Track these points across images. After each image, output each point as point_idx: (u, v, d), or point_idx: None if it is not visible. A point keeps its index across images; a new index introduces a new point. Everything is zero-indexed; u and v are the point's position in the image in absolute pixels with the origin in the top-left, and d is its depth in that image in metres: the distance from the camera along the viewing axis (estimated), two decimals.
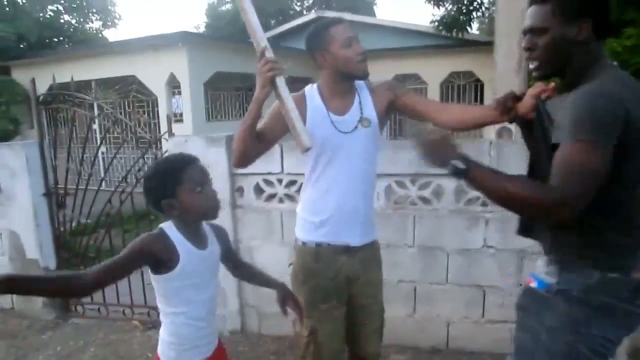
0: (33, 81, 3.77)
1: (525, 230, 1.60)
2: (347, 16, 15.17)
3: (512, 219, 2.83)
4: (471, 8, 8.43)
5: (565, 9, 1.33)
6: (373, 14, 24.93)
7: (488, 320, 3.02)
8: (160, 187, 1.49)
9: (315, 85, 1.93)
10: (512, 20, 4.68)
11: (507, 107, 1.60)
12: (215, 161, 3.20)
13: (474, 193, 2.88)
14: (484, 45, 10.52)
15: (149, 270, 1.52)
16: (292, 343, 3.29)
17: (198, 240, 1.58)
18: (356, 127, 1.87)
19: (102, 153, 9.91)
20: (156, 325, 3.65)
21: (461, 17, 8.59)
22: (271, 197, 3.23)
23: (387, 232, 2.94)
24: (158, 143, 4.21)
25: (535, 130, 1.52)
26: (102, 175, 4.21)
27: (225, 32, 22.60)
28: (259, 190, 3.25)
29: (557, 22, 1.34)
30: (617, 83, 1.29)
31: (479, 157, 2.79)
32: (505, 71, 4.61)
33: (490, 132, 5.61)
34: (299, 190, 3.16)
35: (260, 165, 3.16)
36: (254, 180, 3.22)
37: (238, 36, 20.30)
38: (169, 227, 1.53)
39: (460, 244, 2.96)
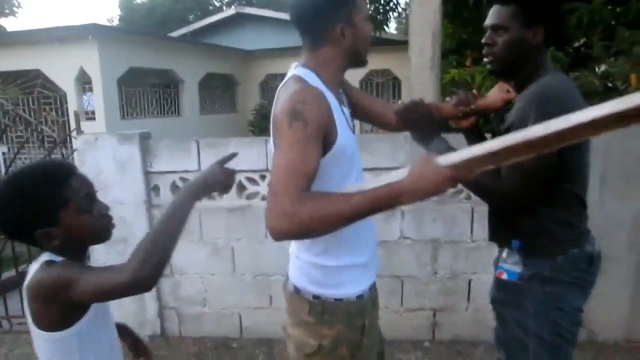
0: None
1: (492, 236, 1.72)
2: (269, 13, 15.11)
3: (426, 211, 2.97)
4: (387, 8, 8.65)
5: (525, 13, 1.49)
6: None
7: (407, 309, 3.13)
8: (32, 215, 1.11)
9: (310, 72, 1.32)
10: (425, 19, 4.86)
11: (467, 101, 1.65)
12: (128, 159, 3.06)
13: None
14: (401, 45, 10.88)
15: (48, 331, 1.13)
16: (214, 343, 3.23)
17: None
18: (354, 126, 1.48)
19: (4, 154, 9.17)
20: None
21: (378, 16, 8.79)
22: None
23: None
24: (66, 141, 3.96)
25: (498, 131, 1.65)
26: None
27: (141, 25, 21.69)
28: (175, 188, 3.13)
29: (517, 23, 1.50)
30: (560, 83, 1.46)
31: (394, 151, 2.91)
32: (419, 68, 4.78)
33: None
34: None
35: (176, 163, 3.07)
36: (171, 178, 3.11)
37: (154, 30, 19.57)
38: (53, 257, 1.16)
39: (379, 236, 3.01)
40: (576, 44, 6.38)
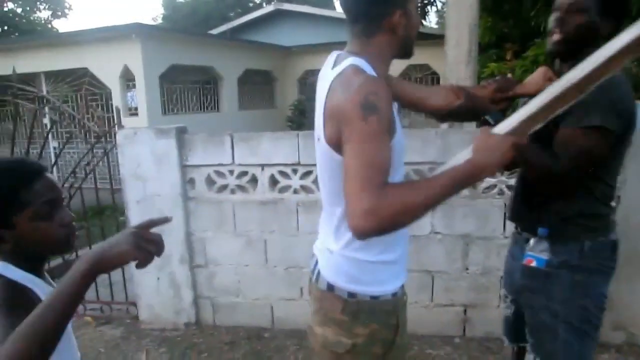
0: None
1: (514, 216, 1.76)
2: (307, 9, 15.17)
3: (457, 206, 2.95)
4: (425, 2, 8.58)
5: (605, 4, 1.50)
6: (333, 7, 24.97)
7: (436, 304, 3.12)
8: None
9: (365, 63, 1.23)
10: (462, 12, 4.78)
11: (507, 88, 1.62)
12: (165, 152, 3.17)
13: None
14: (440, 39, 10.73)
15: None
16: (246, 333, 3.32)
17: (43, 277, 1.15)
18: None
19: (54, 148, 9.61)
20: (109, 320, 3.61)
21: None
22: (223, 188, 3.22)
23: None
24: (108, 135, 4.13)
25: None
26: (55, 171, 4.09)
27: (184, 24, 22.20)
28: (210, 181, 3.23)
29: (594, 9, 1.49)
30: (622, 79, 1.45)
31: (425, 147, 2.89)
32: (455, 63, 4.72)
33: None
34: (250, 181, 3.17)
35: (211, 156, 3.16)
36: (205, 171, 3.20)
37: (196, 28, 19.99)
38: (4, 269, 1.06)
39: (409, 230, 3.03)
40: None
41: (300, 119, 12.72)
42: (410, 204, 1.08)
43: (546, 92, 1.19)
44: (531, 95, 1.60)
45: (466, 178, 1.14)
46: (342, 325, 1.32)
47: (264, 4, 23.47)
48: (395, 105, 1.32)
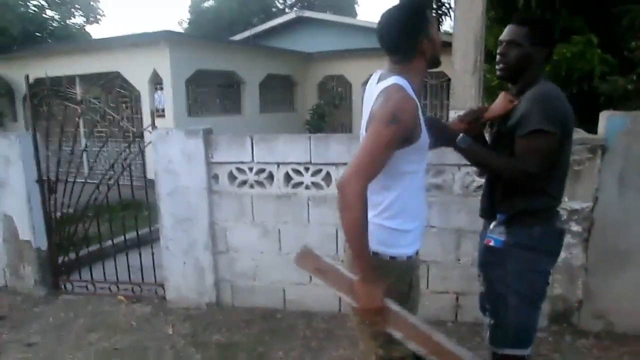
0: (27, 78, 4.11)
1: (482, 210, 2.12)
2: (328, 16, 15.59)
3: (451, 203, 3.30)
4: (440, 12, 8.91)
5: (536, 37, 1.86)
6: (354, 14, 25.38)
7: (432, 291, 3.47)
8: None
9: (406, 82, 1.61)
10: (469, 25, 5.11)
11: (475, 117, 2.03)
12: (194, 151, 3.60)
13: None
14: (451, 47, 11.00)
15: None
16: (261, 313, 3.71)
17: None
18: None
19: (87, 146, 10.16)
20: (140, 299, 4.04)
21: None
22: (243, 183, 3.63)
23: None
24: (141, 136, 4.57)
25: (499, 126, 2.04)
26: (88, 168, 4.55)
27: (208, 28, 22.84)
28: (232, 177, 3.64)
29: (528, 42, 1.86)
30: (552, 88, 1.83)
31: None
32: (461, 73, 5.04)
33: None
34: (268, 177, 3.57)
35: (233, 155, 3.57)
36: (228, 168, 3.62)
37: (221, 32, 20.61)
38: None
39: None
40: (633, 44, 6.37)
41: (319, 123, 13.13)
42: (357, 222, 1.49)
43: (426, 335, 1.60)
44: (500, 117, 2.00)
45: (358, 268, 1.57)
46: None
47: (286, 10, 24.02)
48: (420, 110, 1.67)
